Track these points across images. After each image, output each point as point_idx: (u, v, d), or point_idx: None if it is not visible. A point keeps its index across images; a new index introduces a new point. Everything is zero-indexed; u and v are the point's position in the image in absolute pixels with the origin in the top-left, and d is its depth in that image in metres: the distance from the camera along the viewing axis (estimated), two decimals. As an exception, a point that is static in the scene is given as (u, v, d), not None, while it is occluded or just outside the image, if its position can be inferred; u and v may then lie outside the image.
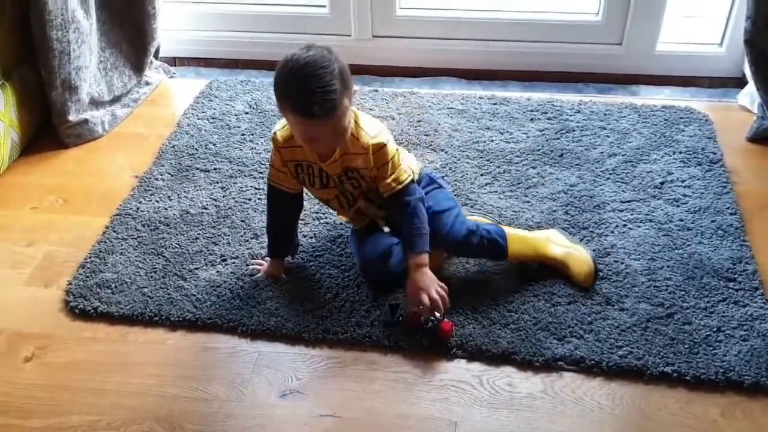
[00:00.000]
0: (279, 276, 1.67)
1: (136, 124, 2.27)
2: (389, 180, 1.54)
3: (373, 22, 2.45)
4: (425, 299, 1.48)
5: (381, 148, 1.51)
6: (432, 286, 1.50)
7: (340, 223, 1.81)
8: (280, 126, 1.54)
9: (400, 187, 1.54)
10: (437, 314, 1.50)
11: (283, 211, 1.64)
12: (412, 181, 1.57)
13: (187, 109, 2.29)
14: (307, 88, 1.34)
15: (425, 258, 1.53)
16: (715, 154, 2.02)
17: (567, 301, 1.59)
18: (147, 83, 2.40)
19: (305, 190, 1.64)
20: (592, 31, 2.39)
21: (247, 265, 1.71)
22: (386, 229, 1.68)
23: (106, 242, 1.79)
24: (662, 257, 1.70)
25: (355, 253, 1.68)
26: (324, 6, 2.47)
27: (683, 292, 1.61)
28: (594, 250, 1.71)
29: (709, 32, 2.43)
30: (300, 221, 1.82)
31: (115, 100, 2.29)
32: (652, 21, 2.32)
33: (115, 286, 1.67)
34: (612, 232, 1.78)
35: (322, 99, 1.34)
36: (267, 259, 1.70)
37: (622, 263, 1.69)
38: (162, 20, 2.44)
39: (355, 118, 1.49)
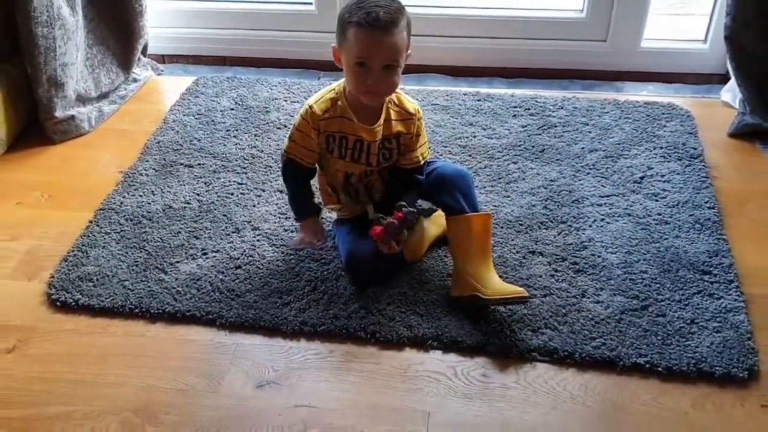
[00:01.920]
0: (321, 237, 1.68)
1: (123, 121, 2.29)
2: (418, 153, 1.64)
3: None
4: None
5: (420, 117, 1.63)
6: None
7: (323, 217, 1.82)
8: (317, 99, 1.58)
9: (422, 162, 1.65)
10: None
11: (300, 179, 1.67)
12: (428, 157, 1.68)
13: (173, 105, 2.31)
14: (374, 1, 1.42)
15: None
16: (695, 149, 2.03)
17: (543, 293, 1.61)
18: (135, 80, 2.42)
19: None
20: (577, 27, 2.40)
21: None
22: (372, 216, 1.69)
23: (89, 236, 1.81)
24: (639, 251, 1.72)
25: (340, 246, 1.70)
26: (311, 3, 2.49)
27: (658, 285, 1.63)
28: (571, 244, 1.73)
29: (694, 29, 2.44)
30: (281, 215, 1.85)
31: (102, 96, 2.31)
32: (637, 17, 2.33)
33: (97, 279, 1.68)
34: (590, 226, 1.79)
35: (387, 9, 1.42)
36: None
37: (599, 257, 1.70)
38: (150, 18, 2.46)
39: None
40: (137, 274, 1.69)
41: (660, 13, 2.34)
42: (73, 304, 1.63)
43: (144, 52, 2.48)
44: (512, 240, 1.76)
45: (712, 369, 1.44)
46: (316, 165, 1.67)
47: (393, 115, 1.59)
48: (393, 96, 1.59)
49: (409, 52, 1.52)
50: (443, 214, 1.70)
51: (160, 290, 1.65)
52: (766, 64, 1.99)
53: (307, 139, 1.60)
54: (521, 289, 1.52)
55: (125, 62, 2.38)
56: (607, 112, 2.20)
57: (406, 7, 1.48)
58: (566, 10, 2.44)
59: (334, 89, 1.60)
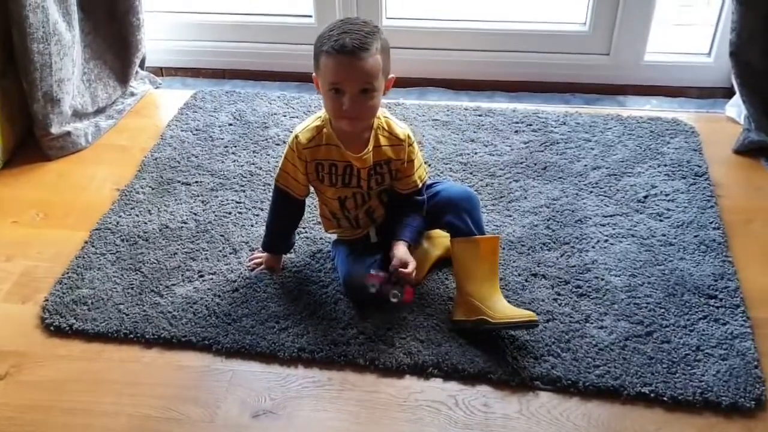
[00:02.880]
0: (278, 269, 1.71)
1: (120, 136, 2.26)
2: (415, 177, 1.60)
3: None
4: (398, 255, 1.53)
5: (412, 142, 1.58)
6: (408, 258, 1.54)
7: (321, 238, 1.80)
8: (302, 128, 1.57)
9: (421, 184, 1.62)
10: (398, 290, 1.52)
11: (286, 213, 1.67)
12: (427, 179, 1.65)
13: (171, 120, 2.28)
14: (344, 30, 1.42)
15: (405, 242, 1.58)
16: (700, 167, 2.00)
17: (545, 318, 1.58)
18: (132, 94, 2.39)
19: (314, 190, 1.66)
20: (580, 41, 2.37)
21: (247, 261, 1.75)
22: (374, 240, 1.68)
23: (84, 257, 1.78)
24: (643, 273, 1.69)
25: (339, 268, 1.67)
26: (310, 16, 2.46)
27: (663, 310, 1.60)
28: (574, 266, 1.70)
29: (698, 41, 2.41)
30: (280, 236, 1.82)
31: (99, 111, 2.28)
32: (640, 30, 2.30)
33: (92, 303, 1.66)
34: (593, 247, 1.76)
35: (357, 37, 1.40)
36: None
37: (603, 279, 1.67)
38: (149, 30, 2.43)
39: (385, 115, 1.57)
40: (133, 297, 1.67)
41: (661, 23, 2.29)
42: (68, 328, 1.60)
43: (142, 65, 2.46)
44: (514, 262, 1.73)
45: (719, 399, 1.41)
46: (308, 198, 1.66)
47: (383, 141, 1.56)
48: (383, 122, 1.55)
49: (391, 76, 1.50)
50: (443, 234, 1.67)
51: (155, 314, 1.62)
52: (771, 80, 1.96)
53: (295, 170, 1.58)
54: (530, 312, 1.50)
55: (122, 76, 2.35)
56: (610, 128, 2.17)
57: (380, 31, 1.46)
58: (569, 23, 2.41)
59: (320, 116, 1.57)
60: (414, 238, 1.60)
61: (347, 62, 1.41)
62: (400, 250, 1.55)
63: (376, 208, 1.65)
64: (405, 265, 1.53)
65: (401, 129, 1.58)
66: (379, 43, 1.43)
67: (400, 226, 1.60)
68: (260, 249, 1.75)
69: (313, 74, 1.51)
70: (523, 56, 2.40)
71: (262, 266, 1.72)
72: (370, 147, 1.54)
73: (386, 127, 1.56)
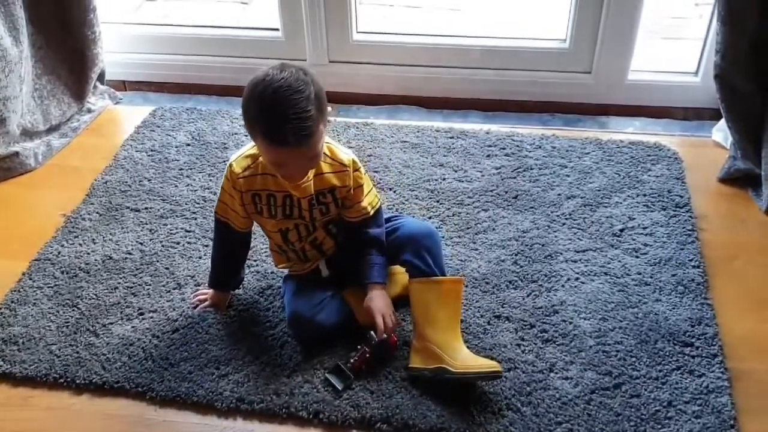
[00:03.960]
0: (223, 308, 1.60)
1: (73, 156, 2.15)
2: (364, 203, 1.50)
3: (329, 46, 2.32)
4: (379, 320, 1.44)
5: (358, 168, 1.47)
6: (387, 310, 1.47)
7: (271, 272, 1.69)
8: (237, 156, 1.45)
9: (372, 211, 1.51)
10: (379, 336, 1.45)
11: (229, 246, 1.56)
12: (380, 205, 1.54)
13: (127, 140, 2.17)
14: (281, 114, 1.25)
15: (381, 285, 1.50)
16: (682, 197, 1.88)
17: (507, 367, 1.46)
18: (89, 110, 2.28)
19: (255, 224, 1.55)
20: (560, 58, 2.25)
21: (191, 297, 1.64)
22: (325, 273, 1.57)
23: (19, 291, 1.67)
24: (615, 317, 1.57)
25: (286, 302, 1.56)
26: (277, 29, 2.35)
27: (634, 359, 1.48)
28: (541, 308, 1.59)
29: (687, 59, 2.29)
30: (229, 269, 1.70)
31: (52, 129, 2.17)
32: (623, 48, 2.18)
33: (23, 343, 1.55)
34: (563, 286, 1.64)
35: (297, 126, 1.25)
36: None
37: (571, 323, 1.56)
38: (112, 42, 2.32)
39: (326, 141, 1.43)
40: (66, 336, 1.56)
41: (648, 36, 2.16)
42: (-7, 372, 1.49)
43: (101, 79, 2.34)
44: (477, 302, 1.61)
45: (690, 463, 1.30)
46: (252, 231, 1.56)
47: (325, 168, 1.44)
48: (324, 148, 1.42)
49: (329, 119, 1.37)
50: (401, 270, 1.56)
51: (89, 356, 1.51)
52: (756, 105, 1.84)
53: (232, 200, 1.47)
54: (493, 362, 1.39)
55: (78, 92, 2.24)
56: (588, 153, 2.05)
57: (312, 79, 1.30)
58: (548, 39, 2.29)
59: (254, 145, 1.45)
60: (384, 278, 1.51)
61: (289, 151, 1.29)
62: (379, 303, 1.46)
63: (323, 240, 1.54)
64: (390, 329, 1.46)
65: (345, 155, 1.46)
66: (315, 106, 1.27)
67: (367, 266, 1.49)
68: (206, 284, 1.63)
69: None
70: (500, 74, 2.28)
71: (207, 302, 1.61)
72: (311, 175, 1.42)
73: (328, 153, 1.44)
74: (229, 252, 1.57)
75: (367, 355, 1.45)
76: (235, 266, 1.61)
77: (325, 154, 1.43)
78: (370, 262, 1.50)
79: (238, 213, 1.48)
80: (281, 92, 1.25)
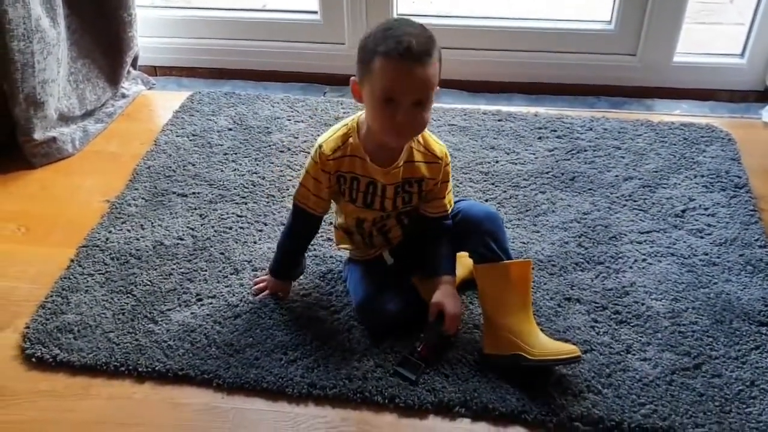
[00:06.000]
0: (285, 296, 1.55)
1: (110, 142, 2.09)
2: (446, 200, 1.47)
3: (368, 29, 2.26)
4: (449, 320, 1.40)
5: (449, 162, 1.45)
6: (456, 310, 1.42)
7: (331, 256, 1.64)
8: (326, 137, 1.41)
9: (450, 208, 1.48)
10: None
11: (302, 233, 1.52)
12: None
13: (166, 124, 2.11)
14: (404, 31, 1.24)
15: (453, 280, 1.46)
16: (740, 177, 1.85)
17: (583, 349, 1.41)
18: (123, 95, 2.22)
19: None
20: (605, 40, 2.21)
21: (251, 285, 1.58)
22: (389, 262, 1.53)
23: (70, 278, 1.61)
24: (687, 297, 1.53)
25: (352, 289, 1.52)
26: (315, 12, 2.29)
27: (711, 339, 1.44)
28: (611, 290, 1.55)
29: (729, 41, 2.26)
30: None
31: (88, 114, 2.11)
32: (670, 30, 2.15)
33: (78, 331, 1.49)
34: (630, 267, 1.60)
35: (419, 41, 1.23)
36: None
37: (643, 304, 1.52)
38: (142, 26, 2.26)
39: None
40: (124, 324, 1.50)
41: (686, 22, 2.14)
42: (51, 360, 1.44)
43: (134, 64, 2.29)
44: (545, 284, 1.57)
45: (781, 443, 1.26)
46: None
47: (417, 156, 1.40)
48: (419, 137, 1.39)
49: (437, 88, 1.33)
50: (466, 254, 1.51)
51: (149, 344, 1.46)
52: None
53: (318, 185, 1.42)
54: (573, 347, 1.34)
55: (113, 76, 2.18)
56: (641, 135, 2.01)
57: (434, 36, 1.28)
58: (593, 21, 2.25)
59: (346, 124, 1.41)
60: (453, 269, 1.47)
61: (408, 69, 1.23)
62: (450, 303, 1.41)
63: (392, 229, 1.50)
64: (456, 319, 1.41)
65: (439, 146, 1.42)
66: (438, 51, 1.27)
67: (437, 258, 1.45)
68: (265, 271, 1.58)
69: (353, 79, 1.33)
70: (544, 56, 2.24)
71: (267, 292, 1.56)
72: (401, 162, 1.38)
73: (422, 142, 1.40)
74: (301, 238, 1.52)
75: (433, 343, 1.41)
76: (301, 253, 1.56)
77: (419, 141, 1.39)
78: (440, 253, 1.46)
79: (323, 198, 1.44)
80: (406, 23, 1.27)
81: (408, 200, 1.44)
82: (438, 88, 1.31)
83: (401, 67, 1.23)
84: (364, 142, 1.38)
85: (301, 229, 1.50)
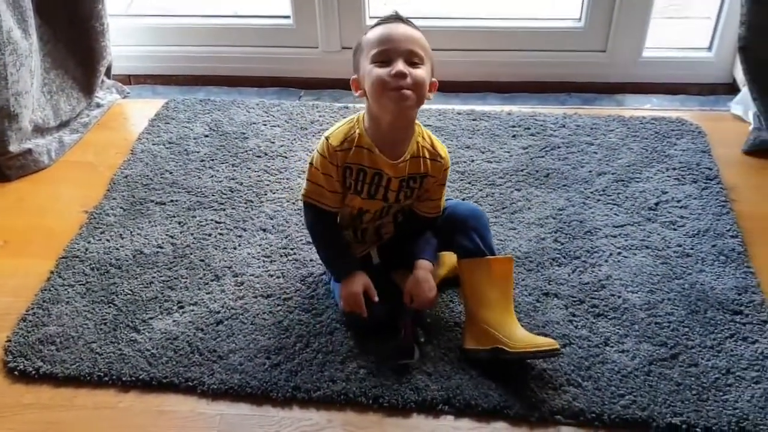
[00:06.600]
0: (372, 293, 1.44)
1: (86, 152, 2.08)
2: (441, 202, 1.52)
3: (341, 32, 2.28)
4: (417, 294, 1.44)
5: (449, 166, 1.50)
6: (425, 287, 1.44)
7: (311, 260, 1.65)
8: (332, 130, 1.44)
9: (440, 210, 1.52)
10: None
11: (324, 227, 1.50)
12: None
13: (142, 133, 2.11)
14: (397, 17, 1.41)
15: (429, 265, 1.47)
16: (710, 169, 1.89)
17: (562, 343, 1.44)
18: (98, 105, 2.21)
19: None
20: (574, 37, 2.25)
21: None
22: (376, 261, 1.55)
23: (50, 290, 1.61)
24: (662, 289, 1.57)
25: (335, 292, 1.52)
26: (288, 17, 2.30)
27: (687, 329, 1.48)
28: (588, 283, 1.58)
29: (696, 35, 2.30)
30: (265, 258, 1.67)
31: (63, 125, 2.10)
32: (638, 26, 2.18)
33: (61, 342, 1.49)
34: (606, 261, 1.63)
35: (409, 23, 1.40)
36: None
37: (619, 297, 1.55)
38: (115, 35, 2.25)
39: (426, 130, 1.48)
40: (106, 334, 1.50)
41: (654, 17, 2.18)
42: (34, 372, 1.44)
43: (108, 73, 2.28)
44: (523, 280, 1.59)
45: (756, 428, 1.30)
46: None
47: (424, 152, 1.44)
48: (424, 132, 1.45)
49: (433, 79, 1.40)
50: (449, 253, 1.54)
51: (132, 353, 1.46)
52: (784, 76, 1.85)
53: (328, 180, 1.42)
54: (551, 340, 1.37)
55: (87, 86, 2.17)
56: (612, 130, 2.05)
57: None
58: (563, 19, 2.28)
59: (350, 119, 1.45)
60: (434, 258, 1.50)
61: (395, 26, 1.36)
62: (421, 281, 1.44)
63: (386, 225, 1.53)
64: (426, 303, 1.45)
65: (443, 148, 1.48)
66: (426, 43, 1.40)
67: (420, 244, 1.48)
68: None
69: (352, 77, 1.42)
70: (515, 55, 2.27)
71: (355, 301, 1.43)
72: (408, 156, 1.41)
73: (427, 139, 1.45)
74: (329, 231, 1.49)
75: (411, 326, 1.44)
76: (343, 241, 1.51)
77: (424, 137, 1.45)
78: (425, 240, 1.50)
79: (336, 190, 1.44)
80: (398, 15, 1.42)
81: (409, 195, 1.47)
82: (434, 79, 1.40)
83: (389, 25, 1.37)
84: (371, 134, 1.40)
85: (322, 228, 1.49)
